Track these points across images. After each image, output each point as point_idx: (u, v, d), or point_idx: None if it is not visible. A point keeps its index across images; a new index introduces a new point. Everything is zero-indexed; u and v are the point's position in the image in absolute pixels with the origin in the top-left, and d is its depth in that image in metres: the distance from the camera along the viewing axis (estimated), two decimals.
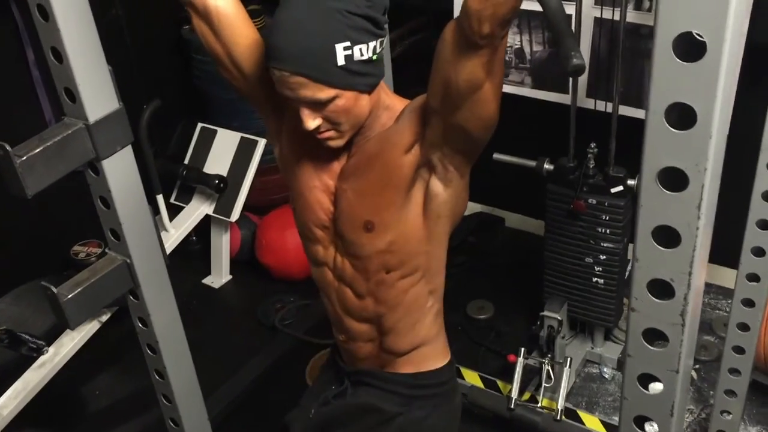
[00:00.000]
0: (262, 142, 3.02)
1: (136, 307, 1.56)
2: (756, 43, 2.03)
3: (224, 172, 3.03)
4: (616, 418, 2.40)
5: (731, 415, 1.98)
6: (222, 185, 2.96)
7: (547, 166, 2.32)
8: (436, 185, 1.28)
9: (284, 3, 1.19)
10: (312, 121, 1.23)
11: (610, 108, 2.23)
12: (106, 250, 1.51)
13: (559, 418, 2.19)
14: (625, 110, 2.24)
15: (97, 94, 1.31)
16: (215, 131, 3.15)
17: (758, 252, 1.71)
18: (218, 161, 3.08)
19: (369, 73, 1.21)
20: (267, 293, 3.11)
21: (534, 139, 2.52)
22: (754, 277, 1.75)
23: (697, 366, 2.57)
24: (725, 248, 2.81)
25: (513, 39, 2.56)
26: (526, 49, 2.55)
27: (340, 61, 1.16)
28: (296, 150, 1.38)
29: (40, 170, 1.28)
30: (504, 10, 1.01)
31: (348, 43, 1.16)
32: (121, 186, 1.41)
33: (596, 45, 2.37)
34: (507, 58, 2.61)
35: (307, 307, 3.00)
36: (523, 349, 2.32)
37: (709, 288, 2.86)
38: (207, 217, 3.11)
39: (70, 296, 1.40)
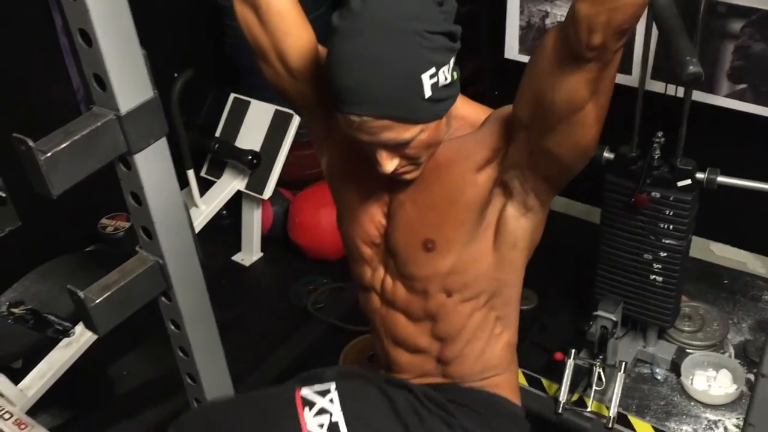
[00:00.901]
0: (297, 117, 2.87)
1: (169, 309, 1.45)
2: None
3: (257, 147, 2.89)
4: (668, 424, 2.29)
5: None
6: (255, 161, 2.82)
7: (606, 154, 2.15)
8: (513, 211, 1.12)
9: (344, 31, 0.99)
10: (391, 163, 1.07)
11: (681, 92, 2.04)
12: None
13: (611, 425, 2.06)
14: (698, 96, 2.06)
15: (129, 81, 1.17)
16: (248, 103, 3.00)
17: None
18: (251, 135, 2.94)
19: (451, 95, 1.04)
20: (299, 274, 2.99)
21: None
22: None
23: (755, 370, 2.42)
24: None
25: None
26: None
27: (428, 93, 0.99)
28: (347, 157, 1.23)
29: (66, 167, 1.16)
30: (622, 18, 0.84)
31: (433, 70, 0.98)
32: (155, 182, 1.28)
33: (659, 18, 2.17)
34: None
35: (341, 291, 2.88)
36: (573, 350, 2.18)
37: None
38: (238, 192, 2.99)
39: (98, 301, 1.29)
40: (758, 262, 2.71)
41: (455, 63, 1.03)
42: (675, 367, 2.41)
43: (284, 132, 2.88)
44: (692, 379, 2.37)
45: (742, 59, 2.13)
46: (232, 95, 3.05)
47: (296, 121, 2.86)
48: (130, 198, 1.30)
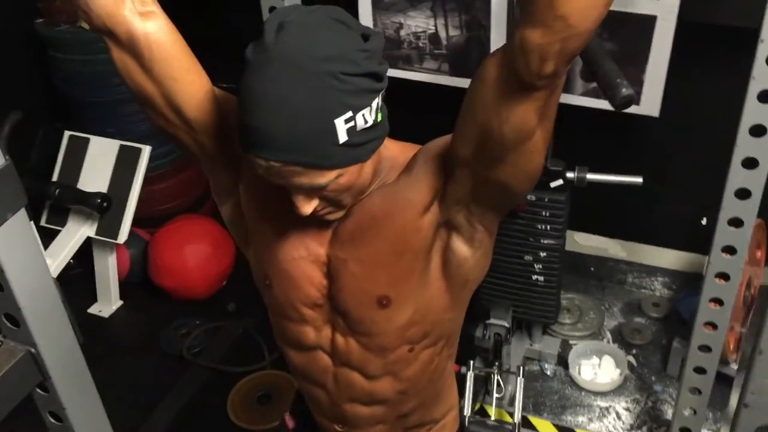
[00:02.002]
0: (146, 150, 2.64)
1: (47, 400, 1.24)
2: None
3: (104, 188, 2.63)
4: (565, 418, 2.35)
5: (696, 414, 1.93)
6: (105, 204, 2.57)
7: None
8: (462, 248, 1.05)
9: (256, 69, 0.88)
10: (308, 206, 0.98)
11: None
12: (1, 339, 1.18)
13: (517, 431, 2.06)
14: (563, 98, 2.10)
15: None
16: (87, 140, 2.73)
17: (729, 250, 1.63)
18: (96, 175, 2.68)
19: (373, 138, 0.95)
20: (167, 318, 2.77)
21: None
22: (723, 276, 1.67)
23: (634, 351, 2.54)
24: (646, 226, 2.82)
25: (427, 23, 2.35)
26: (442, 34, 2.35)
27: (342, 138, 0.90)
28: (266, 212, 1.10)
29: None
30: (576, 45, 0.79)
31: (349, 113, 0.90)
32: (18, 262, 1.09)
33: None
34: (421, 44, 2.41)
35: (218, 331, 2.70)
36: (471, 361, 2.16)
37: (631, 266, 2.83)
38: (88, 238, 2.71)
39: None
40: (618, 247, 2.85)
41: (382, 102, 0.94)
42: (562, 360, 2.48)
43: (133, 168, 2.65)
44: (579, 370, 2.44)
45: None
46: (67, 133, 2.77)
47: (146, 153, 2.64)
48: None
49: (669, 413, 2.32)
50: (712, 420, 2.25)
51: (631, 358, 2.50)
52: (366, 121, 0.92)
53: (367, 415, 1.21)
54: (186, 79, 1.02)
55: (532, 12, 0.78)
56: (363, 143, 0.94)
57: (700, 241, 2.77)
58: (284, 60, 0.87)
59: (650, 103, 2.11)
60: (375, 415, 1.21)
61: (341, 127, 0.89)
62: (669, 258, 2.81)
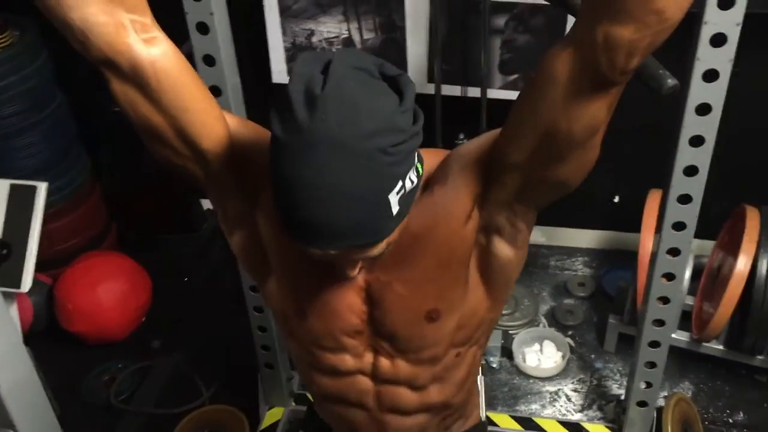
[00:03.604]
0: (42, 187, 2.40)
1: None
2: None
3: None
4: (519, 408, 2.37)
5: (651, 387, 1.99)
6: (4, 252, 2.32)
7: None
8: (505, 250, 1.01)
9: (294, 154, 0.79)
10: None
11: (477, 93, 2.08)
12: None
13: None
14: (475, 92, 2.12)
15: None
16: None
17: (678, 226, 1.68)
18: None
19: (416, 188, 0.89)
20: (86, 366, 2.54)
21: None
22: (673, 251, 1.73)
23: (570, 332, 2.60)
24: (562, 209, 2.90)
25: (339, 28, 2.29)
26: (356, 38, 2.30)
27: (395, 210, 0.84)
28: (291, 244, 1.00)
29: None
30: (665, 37, 0.76)
31: (400, 183, 0.83)
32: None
33: (434, 22, 2.19)
34: (334, 50, 2.35)
35: (145, 372, 2.51)
36: None
37: (552, 250, 2.91)
38: None
39: None
40: (538, 233, 2.92)
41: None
42: (506, 352, 2.50)
43: (30, 208, 2.40)
44: (523, 358, 2.48)
45: (510, 52, 2.23)
46: None
47: (43, 191, 2.39)
48: None
49: (614, 388, 2.40)
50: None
51: (569, 340, 2.56)
52: (412, 182, 0.86)
53: (410, 425, 1.19)
54: (197, 108, 0.92)
55: (620, 8, 0.74)
56: (410, 202, 0.88)
57: (613, 219, 2.90)
58: (328, 142, 0.78)
59: None
60: (418, 424, 1.19)
61: (394, 199, 0.84)
62: (586, 238, 2.91)
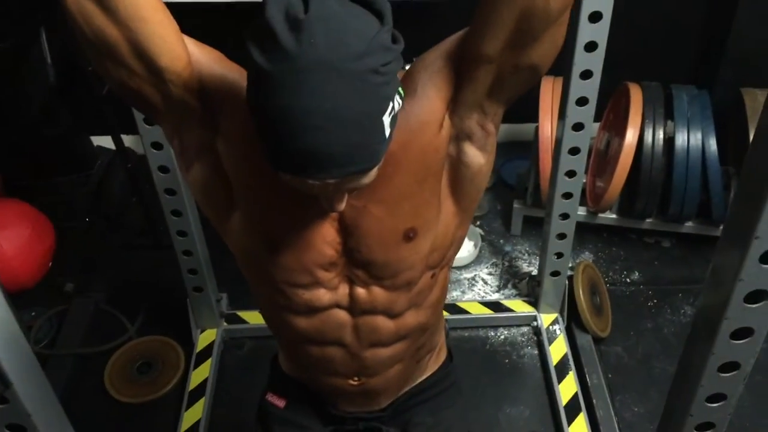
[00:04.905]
0: None
1: None
2: None
3: None
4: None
5: (563, 257, 2.17)
6: None
7: None
8: (477, 157, 0.99)
9: (285, 83, 0.76)
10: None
11: None
12: None
13: None
14: None
15: None
16: None
17: (581, 102, 1.81)
18: None
19: (399, 110, 0.87)
20: None
21: None
22: (578, 126, 1.86)
23: (478, 223, 2.75)
24: None
25: None
26: None
27: (388, 132, 0.82)
28: (263, 171, 0.92)
29: None
30: None
31: (391, 104, 0.82)
32: None
33: None
34: None
35: (62, 315, 2.44)
36: None
37: None
38: None
39: None
40: None
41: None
42: None
43: None
44: None
45: None
46: None
47: None
48: None
49: (525, 267, 2.58)
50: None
51: (479, 229, 2.71)
52: (399, 103, 0.85)
53: (388, 356, 1.17)
54: (156, 19, 0.86)
55: None
56: (395, 124, 0.86)
57: (507, 113, 3.03)
58: (320, 67, 0.75)
59: None
60: (395, 354, 1.17)
61: (387, 121, 0.82)
62: None
